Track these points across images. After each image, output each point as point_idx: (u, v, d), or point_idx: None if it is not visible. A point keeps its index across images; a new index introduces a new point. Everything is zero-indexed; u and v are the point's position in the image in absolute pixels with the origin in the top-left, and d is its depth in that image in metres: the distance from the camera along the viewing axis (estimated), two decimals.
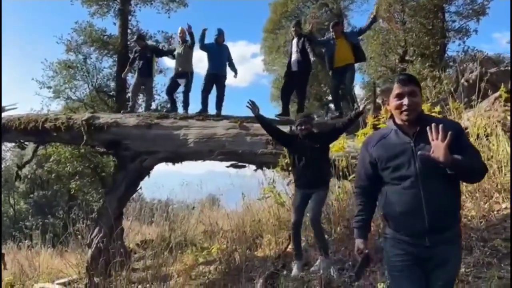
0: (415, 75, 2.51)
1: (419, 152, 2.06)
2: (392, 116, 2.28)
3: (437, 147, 1.97)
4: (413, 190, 2.09)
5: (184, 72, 7.98)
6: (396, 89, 2.16)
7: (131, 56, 8.65)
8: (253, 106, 4.63)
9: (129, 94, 16.22)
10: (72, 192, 18.88)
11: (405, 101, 2.13)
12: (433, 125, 2.02)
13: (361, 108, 4.69)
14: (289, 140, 4.75)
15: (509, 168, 4.22)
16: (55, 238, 10.81)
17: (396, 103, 2.17)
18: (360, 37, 7.78)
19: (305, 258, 4.80)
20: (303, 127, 4.52)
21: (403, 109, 2.14)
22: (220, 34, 7.80)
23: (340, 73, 7.18)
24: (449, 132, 1.97)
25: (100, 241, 6.18)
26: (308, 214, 4.69)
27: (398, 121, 2.22)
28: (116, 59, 16.92)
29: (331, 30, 7.39)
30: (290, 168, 4.98)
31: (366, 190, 2.39)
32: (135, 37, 9.10)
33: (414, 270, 2.17)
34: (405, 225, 2.16)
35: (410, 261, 2.17)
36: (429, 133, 2.02)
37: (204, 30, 7.71)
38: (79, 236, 7.16)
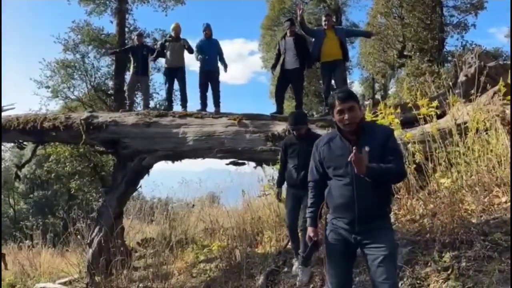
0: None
1: (349, 158, 2.38)
2: (336, 124, 2.64)
3: (356, 163, 2.34)
4: (349, 187, 2.54)
5: (177, 67, 7.96)
6: (338, 105, 2.56)
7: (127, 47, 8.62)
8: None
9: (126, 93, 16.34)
10: (72, 192, 18.88)
11: (346, 116, 2.53)
12: (354, 149, 2.34)
13: None
14: (285, 152, 4.66)
15: (509, 162, 4.22)
16: (56, 237, 10.82)
17: (339, 117, 2.57)
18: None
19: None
20: (295, 133, 4.48)
21: (345, 122, 2.54)
22: (206, 27, 7.78)
23: (328, 68, 7.13)
24: (364, 149, 2.37)
25: (101, 240, 6.18)
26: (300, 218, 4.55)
27: (341, 128, 2.62)
28: (114, 58, 16.89)
29: (323, 18, 7.35)
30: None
31: (316, 184, 2.81)
32: (137, 33, 9.08)
33: (345, 254, 2.67)
34: (341, 214, 2.63)
35: (344, 246, 2.64)
36: (352, 154, 2.34)
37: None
38: (80, 236, 7.16)
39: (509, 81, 4.61)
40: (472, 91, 5.17)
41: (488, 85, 5.15)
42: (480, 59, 6.06)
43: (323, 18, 7.34)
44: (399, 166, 2.56)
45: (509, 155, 4.25)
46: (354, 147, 2.36)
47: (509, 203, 3.93)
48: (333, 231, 2.69)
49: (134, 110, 8.37)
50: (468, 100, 5.26)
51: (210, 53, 7.72)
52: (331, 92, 2.60)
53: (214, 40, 7.84)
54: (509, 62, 6.59)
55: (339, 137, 2.65)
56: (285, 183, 4.76)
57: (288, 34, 7.28)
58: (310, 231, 2.81)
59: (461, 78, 6.01)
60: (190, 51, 7.95)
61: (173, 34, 8.08)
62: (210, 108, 7.67)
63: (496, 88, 5.04)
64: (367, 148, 2.39)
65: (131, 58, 8.55)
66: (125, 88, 9.75)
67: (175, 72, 7.99)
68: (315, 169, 2.78)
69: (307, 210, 2.87)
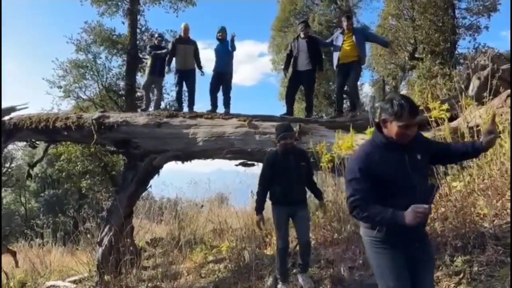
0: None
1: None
2: (384, 133, 2.33)
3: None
4: (411, 202, 2.21)
5: (189, 70, 8.00)
6: (406, 118, 2.20)
7: (148, 51, 8.63)
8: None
9: (139, 93, 16.45)
10: (82, 191, 19.09)
11: (411, 131, 2.25)
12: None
13: None
14: (272, 168, 4.43)
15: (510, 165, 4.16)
16: (66, 236, 10.91)
17: (401, 131, 2.23)
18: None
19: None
20: (288, 141, 4.35)
21: (407, 139, 2.27)
22: (220, 31, 7.83)
23: (344, 70, 7.09)
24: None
25: (111, 239, 6.22)
26: (298, 235, 4.47)
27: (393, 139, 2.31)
28: (126, 58, 17.02)
29: (344, 22, 7.21)
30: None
31: (369, 201, 2.29)
32: (157, 35, 9.13)
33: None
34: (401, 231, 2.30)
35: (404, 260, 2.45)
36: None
37: (233, 35, 7.80)
38: (90, 235, 7.23)
39: None
40: (485, 94, 5.11)
41: (501, 88, 5.10)
42: (493, 62, 5.99)
43: (345, 23, 7.19)
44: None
45: (510, 158, 4.19)
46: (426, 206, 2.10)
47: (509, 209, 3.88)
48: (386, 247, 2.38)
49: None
50: (480, 103, 5.20)
51: (224, 56, 7.77)
52: (396, 100, 2.24)
53: (227, 43, 7.89)
54: None
55: (387, 147, 2.31)
56: (271, 201, 4.53)
57: (301, 36, 7.29)
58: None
59: (474, 80, 5.95)
60: (198, 62, 8.09)
61: (182, 34, 8.12)
62: (220, 109, 7.72)
63: (509, 91, 4.98)
64: (419, 157, 2.30)
65: (148, 59, 8.61)
66: (141, 88, 9.81)
67: (186, 75, 8.04)
68: (365, 185, 2.27)
69: (389, 214, 2.19)
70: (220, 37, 7.85)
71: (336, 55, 7.11)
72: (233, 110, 7.60)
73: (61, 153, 16.54)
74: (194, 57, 8.06)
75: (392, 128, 2.25)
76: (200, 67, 8.14)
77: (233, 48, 7.77)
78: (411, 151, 2.31)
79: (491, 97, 5.08)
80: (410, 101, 2.25)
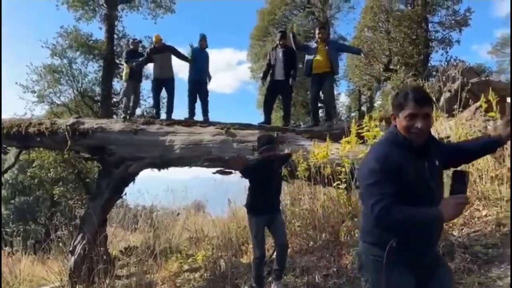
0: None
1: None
2: (399, 131, 2.03)
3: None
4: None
5: (166, 78, 7.98)
6: (410, 108, 1.94)
7: (124, 57, 8.52)
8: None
9: (115, 99, 16.24)
10: (55, 198, 18.59)
11: (419, 124, 1.93)
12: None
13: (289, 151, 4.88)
14: (255, 172, 4.47)
15: (489, 176, 4.32)
16: (37, 244, 10.62)
17: (407, 123, 1.95)
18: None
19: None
20: (271, 153, 4.38)
21: (415, 131, 1.94)
22: (203, 39, 7.87)
23: (318, 81, 7.19)
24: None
25: (83, 248, 6.10)
26: (276, 239, 4.51)
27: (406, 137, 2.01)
28: (102, 64, 16.80)
29: (317, 31, 7.35)
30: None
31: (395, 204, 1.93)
32: (134, 40, 9.04)
33: None
34: (413, 244, 2.04)
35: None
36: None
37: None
38: (62, 243, 7.06)
39: (490, 98, 4.73)
40: (455, 106, 5.29)
41: (470, 100, 5.28)
42: (463, 75, 6.21)
43: (317, 31, 7.36)
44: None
45: (489, 169, 4.35)
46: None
47: (489, 217, 4.02)
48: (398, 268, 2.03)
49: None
50: (451, 115, 5.37)
51: (202, 64, 7.81)
52: (402, 92, 2.02)
53: (206, 52, 7.96)
54: (491, 78, 6.77)
55: (404, 147, 1.99)
56: (249, 211, 4.52)
57: (278, 45, 7.38)
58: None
59: (445, 93, 6.15)
60: (184, 58, 8.02)
61: (156, 45, 8.10)
62: (197, 117, 7.71)
63: (478, 104, 5.17)
64: (437, 163, 2.01)
65: (124, 65, 8.52)
66: (121, 95, 9.68)
67: (164, 83, 8.02)
68: (392, 188, 1.90)
69: (421, 212, 1.87)
70: (201, 45, 7.89)
71: (308, 63, 7.21)
72: (211, 117, 7.61)
73: (34, 159, 16.15)
74: (178, 57, 8.02)
75: (400, 123, 1.98)
76: (190, 61, 8.04)
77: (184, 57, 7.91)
78: (429, 155, 2.01)
79: (461, 109, 5.26)
80: (418, 90, 2.02)
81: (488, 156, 4.46)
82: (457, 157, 2.27)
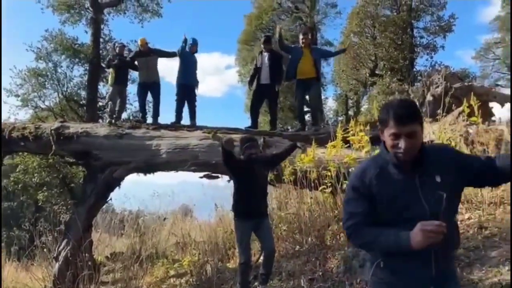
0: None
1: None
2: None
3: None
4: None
5: (152, 82, 7.95)
6: (392, 127, 1.73)
7: (110, 59, 8.43)
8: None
9: (101, 103, 16.09)
10: (39, 203, 18.30)
11: (402, 144, 1.72)
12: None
13: (298, 144, 4.82)
14: (237, 165, 4.41)
15: None
16: (21, 251, 10.45)
17: (391, 142, 1.75)
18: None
19: None
20: (253, 151, 4.37)
21: (398, 152, 1.74)
22: (195, 44, 7.86)
23: (302, 86, 7.25)
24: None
25: (68, 254, 6.02)
26: (263, 244, 4.47)
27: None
28: (88, 68, 16.63)
29: (301, 36, 7.38)
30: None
31: (366, 225, 1.83)
32: (119, 44, 8.96)
33: None
34: (408, 273, 1.81)
35: None
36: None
37: (186, 38, 7.77)
38: (46, 249, 6.95)
39: (472, 102, 4.82)
40: (439, 111, 5.38)
41: (453, 105, 5.38)
42: (446, 80, 6.33)
43: (301, 36, 7.41)
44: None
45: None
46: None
47: (471, 220, 4.09)
48: None
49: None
50: (434, 119, 5.46)
51: (191, 68, 7.80)
52: (387, 105, 1.84)
53: (194, 57, 7.94)
54: (473, 83, 6.91)
55: (395, 165, 1.80)
56: (236, 215, 4.47)
57: (263, 50, 7.42)
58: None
59: (428, 97, 6.25)
60: (172, 54, 7.99)
61: (141, 49, 8.06)
62: (184, 121, 7.69)
63: (461, 108, 5.26)
64: (438, 179, 1.75)
65: (110, 69, 8.45)
66: (107, 99, 9.60)
67: (150, 87, 7.98)
68: (363, 208, 1.81)
69: (391, 236, 1.71)
70: (192, 50, 7.88)
71: (293, 64, 7.20)
72: (198, 121, 7.61)
73: (17, 164, 15.88)
74: (165, 56, 8.00)
75: (386, 140, 1.79)
76: (175, 54, 7.95)
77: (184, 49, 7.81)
78: (423, 171, 1.78)
79: (444, 114, 5.35)
80: (401, 106, 1.76)
81: None
82: (486, 175, 1.86)
